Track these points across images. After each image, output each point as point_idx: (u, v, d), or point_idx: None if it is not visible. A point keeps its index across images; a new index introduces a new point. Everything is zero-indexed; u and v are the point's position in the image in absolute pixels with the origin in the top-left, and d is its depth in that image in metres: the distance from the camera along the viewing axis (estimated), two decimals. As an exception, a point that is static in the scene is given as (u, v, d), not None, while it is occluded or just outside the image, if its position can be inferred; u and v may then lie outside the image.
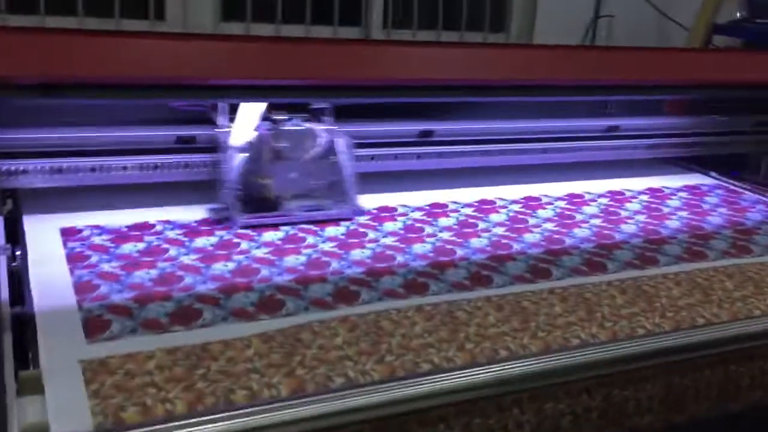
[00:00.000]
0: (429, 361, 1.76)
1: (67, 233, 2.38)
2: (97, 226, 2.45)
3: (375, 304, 2.06)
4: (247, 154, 2.59)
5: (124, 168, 2.59)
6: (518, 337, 1.89)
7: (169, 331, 1.86)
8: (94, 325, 1.84)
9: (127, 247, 2.32)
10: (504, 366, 1.75)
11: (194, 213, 2.64)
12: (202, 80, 1.87)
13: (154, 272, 2.16)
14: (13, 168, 2.46)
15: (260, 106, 2.59)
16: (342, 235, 2.56)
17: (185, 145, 2.69)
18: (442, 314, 1.98)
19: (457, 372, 1.72)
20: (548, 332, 1.92)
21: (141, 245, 2.35)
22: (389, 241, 2.52)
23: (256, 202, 2.57)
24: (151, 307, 1.95)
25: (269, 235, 2.49)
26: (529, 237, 2.63)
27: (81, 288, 2.02)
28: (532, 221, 2.79)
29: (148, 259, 2.25)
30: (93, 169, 2.55)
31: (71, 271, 2.12)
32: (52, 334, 1.78)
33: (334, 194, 2.67)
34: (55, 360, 1.67)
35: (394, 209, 2.84)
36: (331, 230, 2.59)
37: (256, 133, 2.61)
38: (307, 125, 2.66)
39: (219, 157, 2.64)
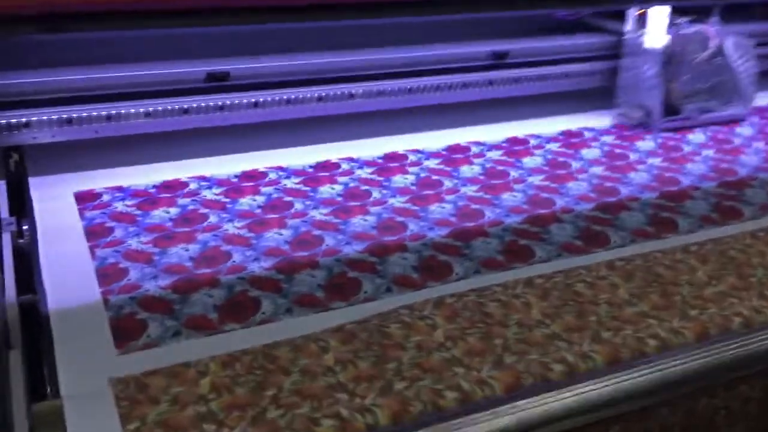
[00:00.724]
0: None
1: (84, 198, 1.95)
2: (118, 188, 2.02)
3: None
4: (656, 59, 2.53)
5: (147, 114, 2.12)
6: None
7: (221, 330, 1.45)
8: (125, 328, 1.43)
9: (158, 214, 1.89)
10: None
11: (241, 164, 2.19)
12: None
13: (194, 247, 1.73)
14: (14, 120, 2.01)
15: (662, 10, 2.52)
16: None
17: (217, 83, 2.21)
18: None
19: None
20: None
21: (174, 210, 1.92)
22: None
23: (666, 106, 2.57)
24: (196, 299, 1.53)
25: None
26: None
27: (105, 275, 1.61)
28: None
29: (185, 229, 1.83)
30: (109, 118, 2.09)
31: (92, 251, 1.70)
32: (73, 344, 1.38)
33: (727, 95, 2.67)
34: (78, 382, 1.28)
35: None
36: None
37: (662, 37, 2.54)
38: (700, 26, 2.63)
39: (617, 64, 2.62)
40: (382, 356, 1.36)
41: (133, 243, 1.74)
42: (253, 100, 2.22)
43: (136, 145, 2.17)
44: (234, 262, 1.68)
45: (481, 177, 2.18)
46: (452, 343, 1.41)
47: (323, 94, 2.30)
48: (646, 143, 2.48)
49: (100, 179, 2.08)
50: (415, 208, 1.98)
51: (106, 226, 1.82)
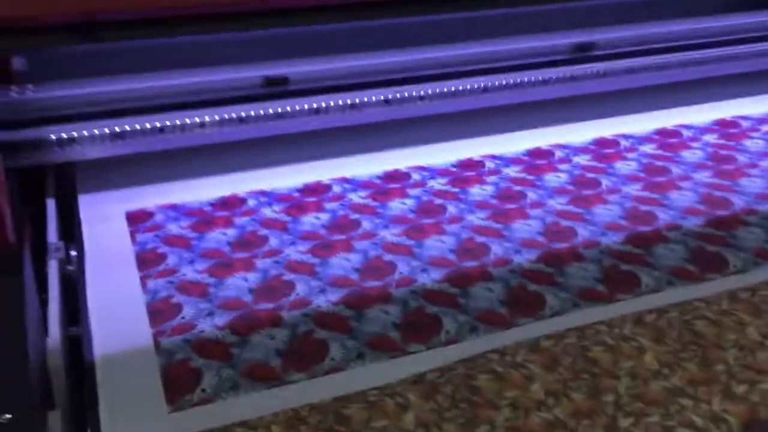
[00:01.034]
0: None
1: (136, 219, 1.80)
2: (172, 206, 1.86)
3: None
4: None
5: (201, 125, 1.95)
6: None
7: (284, 381, 1.27)
8: (178, 378, 1.26)
9: (214, 237, 1.73)
10: None
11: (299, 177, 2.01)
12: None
13: (253, 276, 1.56)
14: (63, 135, 1.87)
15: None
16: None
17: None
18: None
19: None
20: None
21: (231, 232, 1.75)
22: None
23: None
24: (257, 342, 1.35)
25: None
26: None
27: (157, 311, 1.45)
28: None
29: (244, 254, 1.65)
30: (162, 130, 1.93)
31: (143, 283, 1.54)
32: (120, 398, 1.22)
33: None
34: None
35: None
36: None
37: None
38: None
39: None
40: (472, 418, 1.16)
41: (188, 272, 1.58)
42: (315, 105, 2.03)
43: (190, 157, 2.02)
44: (298, 294, 1.49)
45: (570, 187, 1.94)
46: (554, 401, 1.19)
47: (389, 96, 2.09)
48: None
49: (153, 196, 1.93)
50: (498, 225, 1.76)
51: (159, 252, 1.66)
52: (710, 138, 2.23)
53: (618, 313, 1.41)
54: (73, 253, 1.67)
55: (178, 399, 1.22)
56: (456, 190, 1.94)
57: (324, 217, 1.82)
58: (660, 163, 2.07)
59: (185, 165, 2.02)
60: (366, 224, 1.78)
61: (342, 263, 1.61)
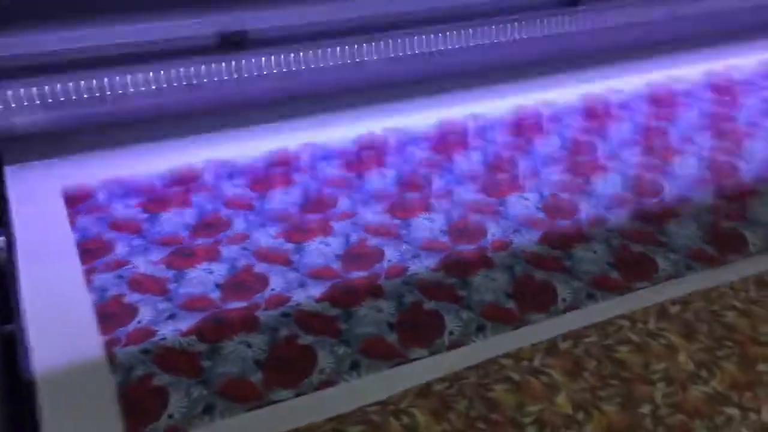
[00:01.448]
0: None
1: (75, 199, 1.55)
2: (117, 181, 1.61)
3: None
4: None
5: (148, 86, 1.70)
6: None
7: (267, 401, 1.07)
8: (139, 401, 1.05)
9: (169, 219, 1.49)
10: None
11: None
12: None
13: (219, 267, 1.35)
14: (-17, 97, 1.59)
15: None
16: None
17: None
18: None
19: None
20: None
21: (189, 213, 1.52)
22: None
23: None
24: (230, 351, 1.15)
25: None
26: None
27: (108, 315, 1.22)
28: None
29: (206, 240, 1.43)
30: (101, 90, 1.67)
31: (88, 278, 1.31)
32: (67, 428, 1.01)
33: None
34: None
35: None
36: None
37: None
38: None
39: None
40: (494, 441, 0.99)
41: (141, 264, 1.35)
42: (275, 64, 1.79)
43: (134, 123, 1.75)
44: (273, 290, 1.29)
45: (562, 153, 1.77)
46: (584, 415, 1.03)
47: (360, 53, 1.86)
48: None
49: (93, 169, 1.66)
50: (491, 200, 1.58)
51: (105, 240, 1.42)
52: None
53: (637, 304, 1.26)
54: (1, 238, 1.43)
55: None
56: (439, 157, 1.74)
57: (295, 193, 1.60)
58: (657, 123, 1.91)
59: (129, 132, 1.75)
60: (344, 201, 1.57)
61: (321, 249, 1.40)
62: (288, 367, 1.13)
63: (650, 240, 1.44)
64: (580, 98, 2.00)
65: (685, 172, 1.69)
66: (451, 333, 1.20)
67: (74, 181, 1.61)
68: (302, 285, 1.30)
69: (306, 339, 1.18)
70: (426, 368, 1.13)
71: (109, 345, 1.16)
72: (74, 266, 1.35)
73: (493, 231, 1.47)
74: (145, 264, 1.35)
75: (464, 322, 1.22)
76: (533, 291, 1.30)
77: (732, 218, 1.50)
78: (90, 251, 1.38)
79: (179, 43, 1.72)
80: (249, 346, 1.16)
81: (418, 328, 1.21)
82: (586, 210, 1.54)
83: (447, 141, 1.81)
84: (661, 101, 2.02)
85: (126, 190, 1.59)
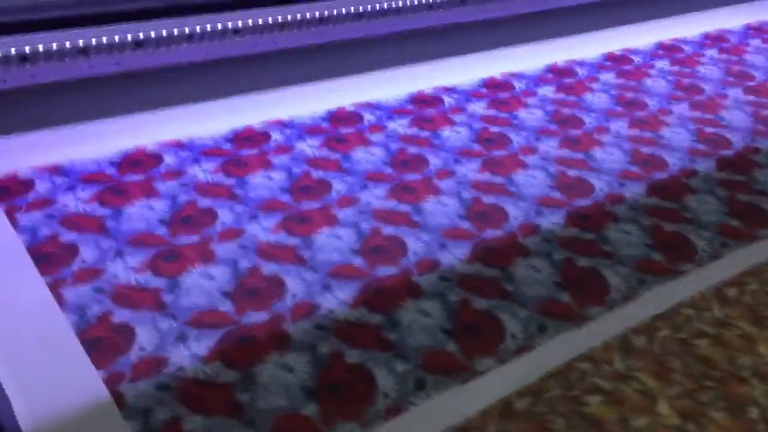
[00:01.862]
0: None
1: (8, 191, 1.25)
2: (56, 170, 1.33)
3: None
4: None
5: (85, 51, 1.41)
6: None
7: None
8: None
9: (138, 213, 1.24)
10: None
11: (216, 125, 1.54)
12: None
13: (221, 273, 1.12)
14: None
15: None
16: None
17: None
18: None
19: None
20: None
21: (159, 205, 1.27)
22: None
23: None
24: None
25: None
26: None
27: (99, 347, 0.97)
28: None
29: (192, 238, 1.19)
30: (24, 57, 1.36)
31: (56, 293, 1.04)
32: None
33: None
34: None
35: None
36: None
37: None
38: None
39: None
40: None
41: (120, 273, 1.09)
42: (229, 25, 1.54)
43: (70, 93, 1.46)
44: (294, 296, 1.08)
45: (552, 126, 1.65)
46: (695, 426, 0.92)
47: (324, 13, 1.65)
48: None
49: (24, 152, 1.36)
50: (499, 180, 1.43)
51: (63, 242, 1.14)
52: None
53: (688, 289, 1.17)
54: None
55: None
56: (426, 134, 1.57)
57: (277, 177, 1.38)
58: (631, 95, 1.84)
59: (65, 104, 1.45)
60: (339, 186, 1.37)
61: (333, 244, 1.21)
62: (342, 394, 0.93)
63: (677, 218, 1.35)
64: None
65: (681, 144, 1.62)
66: (514, 337, 1.05)
67: (3, 168, 1.31)
68: (326, 287, 1.10)
69: (352, 355, 0.98)
70: (499, 381, 0.98)
71: (111, 383, 0.91)
72: (34, 282, 1.07)
73: (515, 214, 1.33)
74: (126, 273, 1.09)
75: (523, 322, 1.08)
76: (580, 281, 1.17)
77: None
78: (47, 259, 1.10)
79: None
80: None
81: (476, 334, 1.05)
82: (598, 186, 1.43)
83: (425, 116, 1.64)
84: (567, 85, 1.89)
85: (71, 179, 1.31)
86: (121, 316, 1.01)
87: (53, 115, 1.45)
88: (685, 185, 1.46)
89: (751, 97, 1.86)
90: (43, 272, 1.08)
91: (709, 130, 1.69)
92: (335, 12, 1.66)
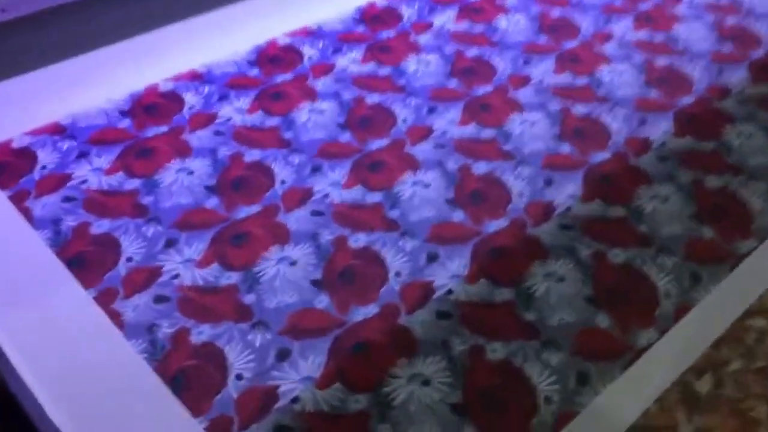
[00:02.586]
0: None
1: (7, 171, 1.01)
2: (60, 129, 1.08)
3: None
4: None
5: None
6: None
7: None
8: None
9: (179, 182, 1.01)
10: None
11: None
12: None
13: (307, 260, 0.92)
14: None
15: None
16: None
17: None
18: None
19: None
20: None
21: (199, 164, 1.04)
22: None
23: None
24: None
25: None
26: None
27: (189, 388, 0.78)
28: None
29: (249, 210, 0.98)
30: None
31: (110, 312, 0.84)
32: None
33: None
34: None
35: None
36: None
37: None
38: None
39: None
40: None
41: (181, 271, 0.88)
42: None
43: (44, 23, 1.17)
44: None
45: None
46: None
47: None
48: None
49: (6, 109, 1.11)
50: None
51: (96, 237, 0.92)
52: None
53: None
54: None
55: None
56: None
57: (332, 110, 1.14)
58: None
59: (47, 37, 1.17)
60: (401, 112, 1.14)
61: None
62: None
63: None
64: None
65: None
66: (667, 295, 0.88)
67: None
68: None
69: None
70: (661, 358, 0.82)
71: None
72: (75, 292, 0.86)
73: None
74: (188, 271, 0.88)
75: (672, 272, 0.91)
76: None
77: None
78: (85, 262, 0.88)
79: None
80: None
81: (623, 296, 0.88)
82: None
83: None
84: None
85: (78, 139, 1.05)
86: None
87: (29, 54, 1.17)
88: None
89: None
90: (84, 283, 0.86)
91: None
92: None
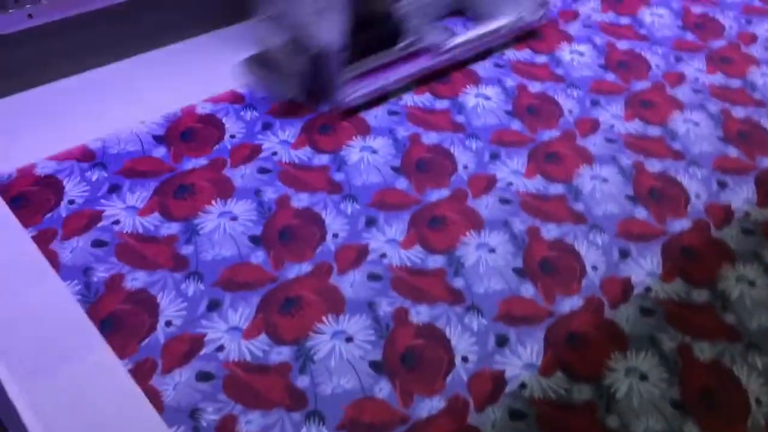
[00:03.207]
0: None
1: (30, 203, 0.91)
2: (88, 155, 0.98)
3: None
4: None
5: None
6: None
7: None
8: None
9: (222, 229, 0.92)
10: None
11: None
12: None
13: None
14: None
15: None
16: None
17: None
18: None
19: None
20: None
21: (242, 210, 0.94)
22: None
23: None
24: None
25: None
26: None
27: None
28: None
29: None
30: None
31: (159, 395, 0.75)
32: None
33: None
34: None
35: None
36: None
37: None
38: None
39: None
40: None
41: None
42: None
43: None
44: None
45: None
46: None
47: None
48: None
49: (29, 130, 1.01)
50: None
51: (132, 292, 0.83)
52: None
53: None
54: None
55: None
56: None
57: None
58: None
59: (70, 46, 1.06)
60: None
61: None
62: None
63: None
64: None
65: None
66: (758, 402, 0.81)
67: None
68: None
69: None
70: None
71: None
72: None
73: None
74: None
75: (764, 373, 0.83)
76: None
77: None
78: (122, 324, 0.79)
79: None
80: None
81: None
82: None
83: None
84: None
85: (110, 170, 0.96)
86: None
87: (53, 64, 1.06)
88: None
89: None
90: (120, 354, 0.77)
91: None
92: None
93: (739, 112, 1.15)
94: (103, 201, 0.92)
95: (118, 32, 1.09)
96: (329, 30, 0.98)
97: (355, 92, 1.07)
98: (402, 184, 0.99)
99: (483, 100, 1.13)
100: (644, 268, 0.92)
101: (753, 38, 1.30)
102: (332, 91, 1.06)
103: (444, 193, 0.99)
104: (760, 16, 1.36)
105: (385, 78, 1.10)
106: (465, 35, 1.17)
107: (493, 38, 1.21)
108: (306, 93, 1.08)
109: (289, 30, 1.01)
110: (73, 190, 0.93)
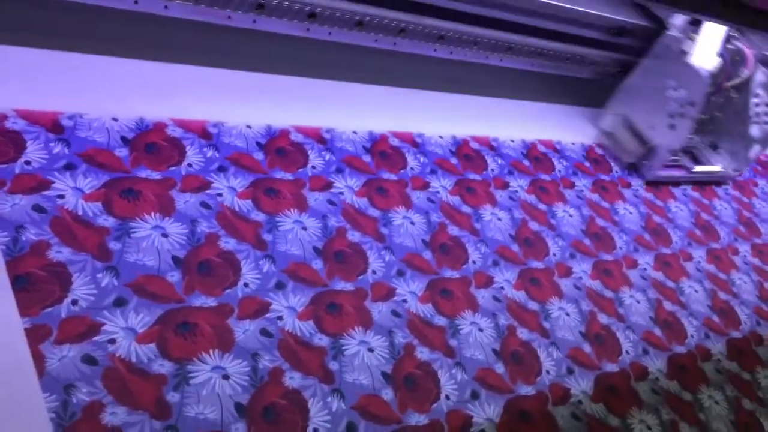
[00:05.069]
0: None
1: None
2: (56, 129, 1.05)
3: None
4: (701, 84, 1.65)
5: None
6: None
7: None
8: None
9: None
10: None
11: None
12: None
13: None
14: None
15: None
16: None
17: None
18: None
19: None
20: None
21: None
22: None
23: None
24: None
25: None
26: None
27: None
28: None
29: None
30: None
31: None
32: None
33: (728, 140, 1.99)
34: None
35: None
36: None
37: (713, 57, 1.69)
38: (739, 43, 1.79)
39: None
40: None
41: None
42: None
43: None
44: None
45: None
46: None
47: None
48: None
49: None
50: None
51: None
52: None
53: None
54: None
55: None
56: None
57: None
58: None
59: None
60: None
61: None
62: None
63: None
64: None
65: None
66: None
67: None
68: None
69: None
70: None
71: None
72: None
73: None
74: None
75: None
76: None
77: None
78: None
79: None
80: None
81: None
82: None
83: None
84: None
85: (68, 145, 1.03)
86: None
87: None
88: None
89: None
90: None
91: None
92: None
93: (603, 318, 1.34)
94: (56, 173, 0.99)
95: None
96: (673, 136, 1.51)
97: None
98: (318, 264, 1.11)
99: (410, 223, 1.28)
100: (485, 413, 1.06)
101: (634, 263, 1.52)
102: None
103: (349, 286, 1.11)
104: (646, 249, 1.59)
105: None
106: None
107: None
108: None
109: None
110: (34, 153, 1.00)
